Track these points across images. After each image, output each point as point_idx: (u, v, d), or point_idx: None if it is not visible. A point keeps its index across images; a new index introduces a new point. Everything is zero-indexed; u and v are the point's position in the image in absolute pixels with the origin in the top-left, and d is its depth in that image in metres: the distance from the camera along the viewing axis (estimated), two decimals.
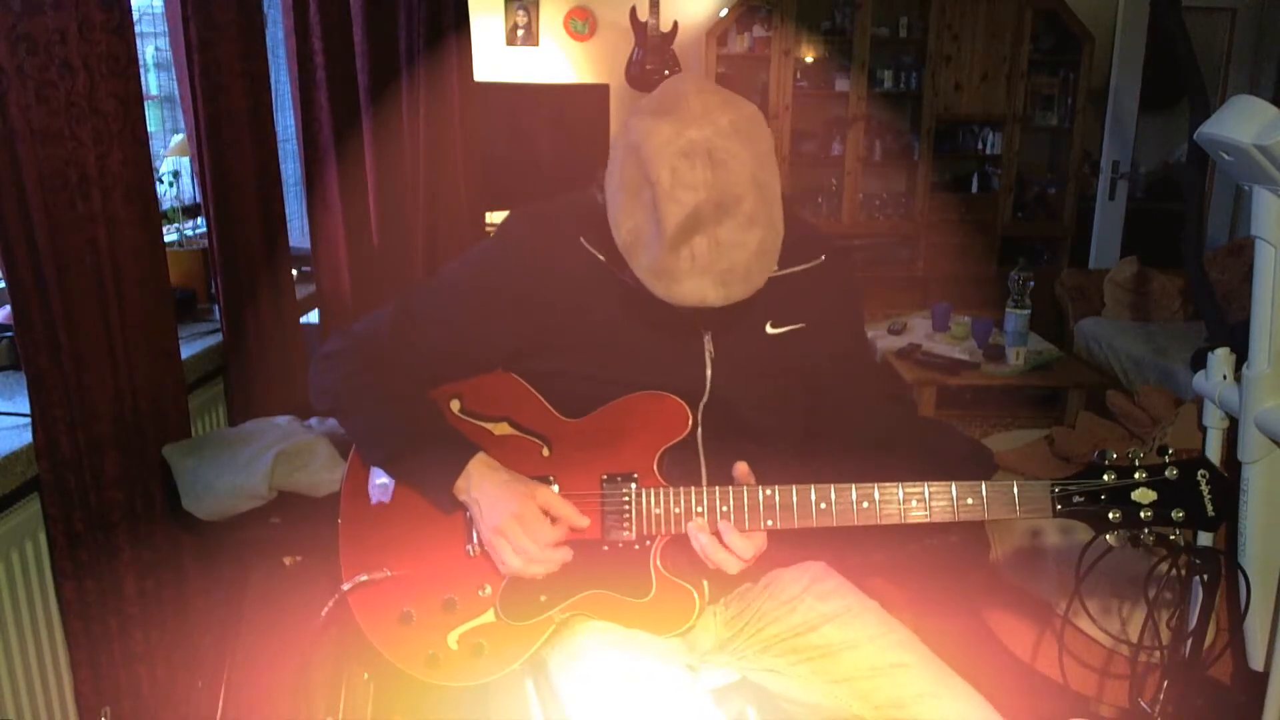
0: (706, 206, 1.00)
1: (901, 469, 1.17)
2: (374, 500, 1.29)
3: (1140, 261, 4.41)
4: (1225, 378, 1.59)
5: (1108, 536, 1.13)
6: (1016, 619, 2.14)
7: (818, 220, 5.29)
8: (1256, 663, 1.59)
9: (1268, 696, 1.54)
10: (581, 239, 1.21)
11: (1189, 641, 1.61)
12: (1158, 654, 1.64)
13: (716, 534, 1.15)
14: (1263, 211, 1.42)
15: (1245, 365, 1.51)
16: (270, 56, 2.05)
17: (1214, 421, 1.62)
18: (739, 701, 1.43)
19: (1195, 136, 1.46)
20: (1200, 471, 1.12)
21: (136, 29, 1.61)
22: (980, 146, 5.34)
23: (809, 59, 5.19)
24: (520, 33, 5.07)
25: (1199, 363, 1.65)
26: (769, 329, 1.26)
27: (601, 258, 1.20)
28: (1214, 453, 1.64)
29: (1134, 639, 1.75)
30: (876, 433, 1.33)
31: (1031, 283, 3.47)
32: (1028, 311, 3.47)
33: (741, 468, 1.18)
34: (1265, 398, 1.48)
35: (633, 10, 4.95)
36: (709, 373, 1.24)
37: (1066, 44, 5.23)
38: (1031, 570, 2.12)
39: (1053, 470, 2.41)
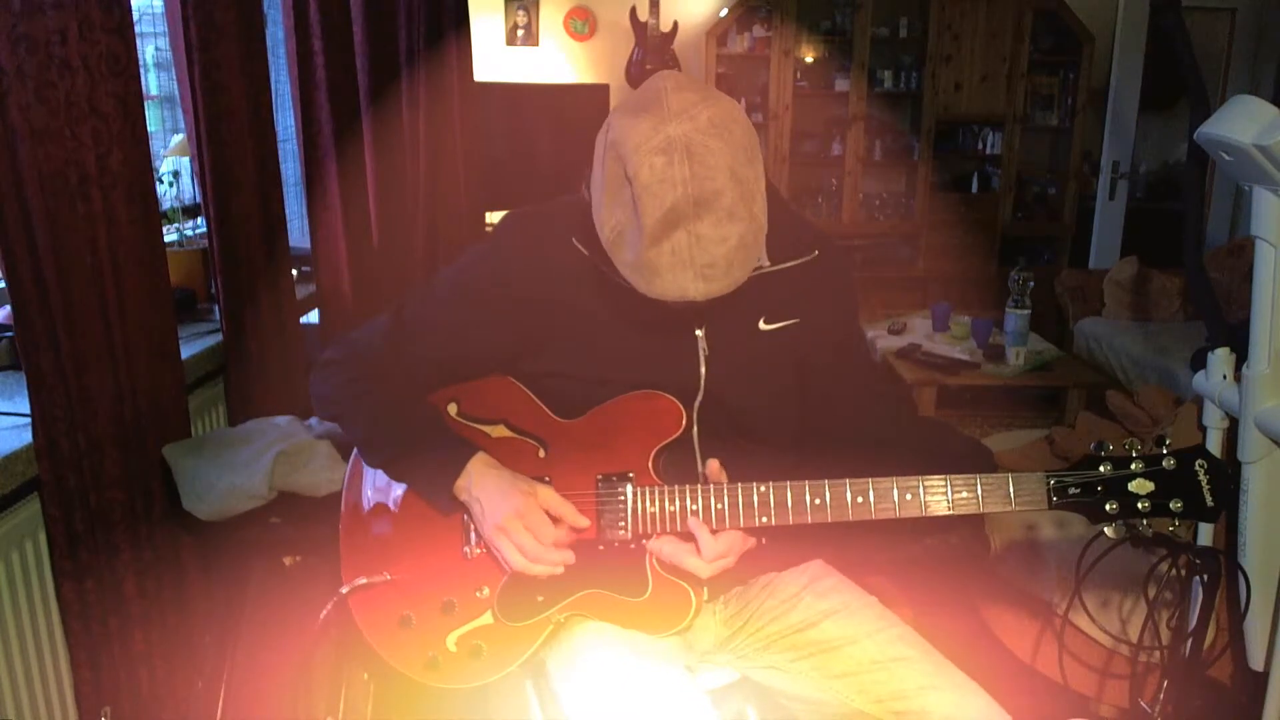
0: (685, 202, 1.00)
1: (900, 468, 1.17)
2: (368, 505, 1.29)
3: (1140, 261, 4.41)
4: (1225, 378, 1.59)
5: (1106, 529, 1.12)
6: (1016, 618, 2.14)
7: (818, 220, 5.29)
8: (1256, 663, 1.59)
9: (1268, 696, 1.54)
10: (574, 239, 1.21)
11: (1189, 641, 1.61)
12: (1158, 654, 1.64)
13: (691, 538, 1.17)
14: (1263, 211, 1.42)
15: (1245, 365, 1.51)
16: (270, 56, 2.05)
17: (1214, 421, 1.62)
18: (738, 701, 1.43)
19: (1195, 136, 1.46)
20: (1198, 461, 1.10)
21: (136, 29, 1.61)
22: (980, 146, 5.34)
23: (809, 59, 5.19)
24: (520, 33, 5.07)
25: (1199, 363, 1.64)
26: (762, 325, 1.26)
27: (591, 256, 1.19)
28: (1214, 452, 1.64)
29: (1134, 639, 1.75)
30: (874, 431, 1.33)
31: (1031, 283, 3.47)
32: (1028, 311, 3.47)
33: (713, 465, 1.19)
34: (1265, 398, 1.48)
35: (633, 10, 4.95)
36: (703, 370, 1.24)
37: (1066, 44, 5.23)
38: (1031, 570, 2.12)
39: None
